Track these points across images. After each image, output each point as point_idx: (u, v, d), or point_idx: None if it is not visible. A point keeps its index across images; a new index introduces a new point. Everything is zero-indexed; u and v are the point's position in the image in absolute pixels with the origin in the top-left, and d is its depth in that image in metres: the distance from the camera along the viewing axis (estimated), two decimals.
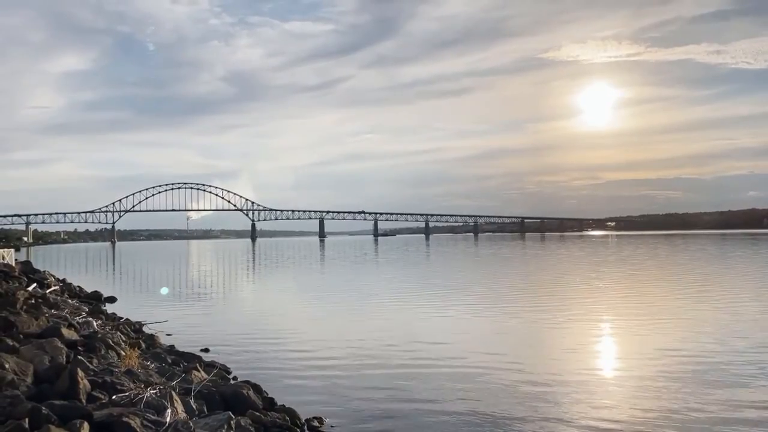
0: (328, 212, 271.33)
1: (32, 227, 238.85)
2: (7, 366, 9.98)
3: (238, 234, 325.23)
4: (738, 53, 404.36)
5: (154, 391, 9.63)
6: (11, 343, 12.26)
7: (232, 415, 9.28)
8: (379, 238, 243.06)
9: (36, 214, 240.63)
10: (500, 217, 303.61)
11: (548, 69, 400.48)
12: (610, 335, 19.57)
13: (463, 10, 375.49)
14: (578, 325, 20.92)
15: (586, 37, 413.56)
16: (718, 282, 35.31)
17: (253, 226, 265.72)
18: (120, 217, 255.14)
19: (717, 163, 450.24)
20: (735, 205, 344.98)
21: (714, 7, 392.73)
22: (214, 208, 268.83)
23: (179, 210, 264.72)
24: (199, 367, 13.16)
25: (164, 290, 28.50)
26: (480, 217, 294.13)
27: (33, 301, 21.64)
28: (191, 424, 8.62)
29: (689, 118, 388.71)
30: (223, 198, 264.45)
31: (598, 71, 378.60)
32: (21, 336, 13.89)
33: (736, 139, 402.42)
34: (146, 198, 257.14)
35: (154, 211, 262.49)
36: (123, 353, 13.76)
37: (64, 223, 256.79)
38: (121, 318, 22.67)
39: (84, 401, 9.19)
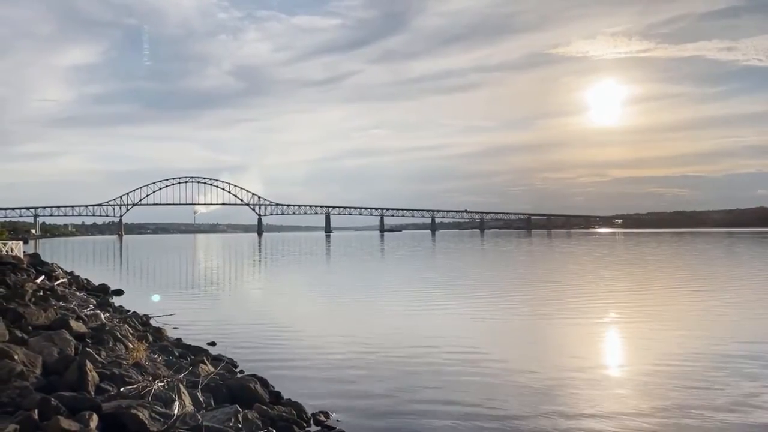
0: (334, 207, 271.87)
1: (40, 220, 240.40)
2: (16, 357, 10.05)
3: (245, 228, 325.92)
4: (749, 50, 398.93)
5: (162, 384, 9.69)
6: (20, 335, 12.37)
7: (239, 408, 9.33)
8: (385, 233, 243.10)
9: (44, 207, 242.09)
10: (506, 213, 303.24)
11: (557, 65, 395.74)
12: (632, 337, 18.84)
13: (471, 5, 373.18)
14: (596, 326, 20.80)
15: (596, 33, 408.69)
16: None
17: (260, 220, 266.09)
18: (127, 210, 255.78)
19: (726, 161, 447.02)
20: (743, 203, 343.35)
21: (725, 3, 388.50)
22: (221, 202, 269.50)
23: (186, 204, 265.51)
24: (206, 361, 13.22)
25: (155, 297, 28.56)
26: (486, 213, 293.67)
27: (41, 294, 21.83)
28: (199, 417, 8.67)
29: (698, 115, 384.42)
30: (229, 192, 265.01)
31: (607, 68, 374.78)
32: (30, 328, 14.01)
33: (745, 137, 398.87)
34: (153, 192, 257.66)
35: (161, 204, 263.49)
36: (131, 346, 13.85)
37: (72, 216, 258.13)
38: (129, 311, 22.80)
39: (92, 393, 9.26)
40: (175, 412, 8.68)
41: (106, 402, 8.65)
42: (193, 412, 8.88)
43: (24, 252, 37.52)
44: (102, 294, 29.56)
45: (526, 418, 10.38)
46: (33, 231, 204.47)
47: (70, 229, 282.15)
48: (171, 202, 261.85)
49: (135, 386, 9.66)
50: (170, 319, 21.04)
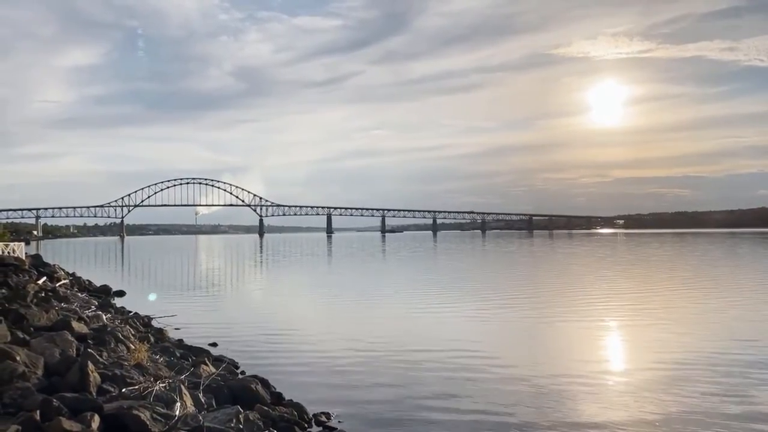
0: (335, 208, 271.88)
1: (42, 221, 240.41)
2: (18, 358, 10.06)
3: (247, 229, 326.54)
4: (750, 50, 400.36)
5: (164, 385, 9.69)
6: (22, 336, 12.37)
7: (241, 409, 9.34)
8: (387, 234, 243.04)
9: (46, 208, 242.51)
10: (508, 214, 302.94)
11: (558, 65, 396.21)
12: (637, 339, 18.72)
13: (472, 5, 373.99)
14: (601, 328, 20.78)
15: (597, 33, 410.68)
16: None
17: (261, 221, 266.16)
18: (129, 211, 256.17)
19: (727, 161, 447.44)
20: (745, 203, 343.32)
21: (726, 3, 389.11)
22: (222, 203, 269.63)
23: (188, 205, 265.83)
24: (207, 362, 13.23)
25: (152, 296, 28.60)
26: (488, 214, 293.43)
27: (43, 295, 21.85)
28: (200, 418, 8.68)
29: (700, 115, 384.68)
30: (231, 193, 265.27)
31: (609, 68, 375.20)
32: (32, 329, 14.02)
33: (746, 137, 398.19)
34: (155, 193, 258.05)
35: (162, 206, 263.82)
36: (132, 347, 13.86)
37: (74, 217, 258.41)
38: (130, 312, 22.82)
39: (94, 394, 9.27)
40: (177, 412, 8.69)
41: (108, 403, 8.66)
42: (194, 413, 8.89)
43: (26, 253, 37.55)
44: (104, 295, 29.59)
45: (530, 423, 10.33)
46: (35, 232, 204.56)
47: (71, 230, 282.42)
48: (173, 203, 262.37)
49: (136, 387, 9.67)
50: (172, 320, 21.07)
